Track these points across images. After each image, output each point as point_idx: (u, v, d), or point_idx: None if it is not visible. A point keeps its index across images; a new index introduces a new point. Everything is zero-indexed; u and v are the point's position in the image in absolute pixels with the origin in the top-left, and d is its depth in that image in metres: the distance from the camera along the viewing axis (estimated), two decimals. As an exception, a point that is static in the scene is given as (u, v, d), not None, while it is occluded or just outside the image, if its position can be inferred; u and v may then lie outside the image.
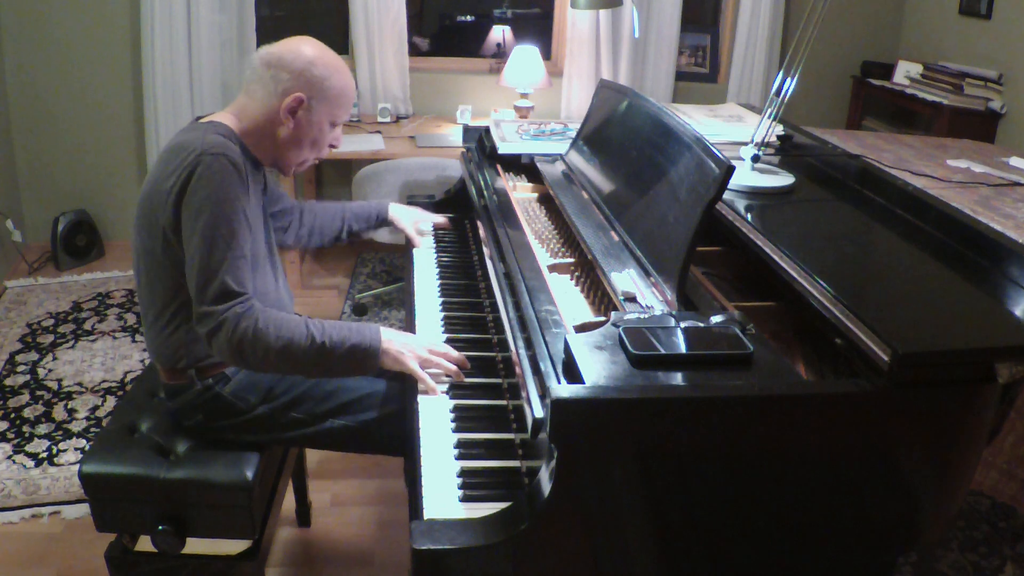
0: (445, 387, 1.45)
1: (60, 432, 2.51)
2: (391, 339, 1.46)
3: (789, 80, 1.68)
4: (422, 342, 1.49)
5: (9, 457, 2.38)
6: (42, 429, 2.52)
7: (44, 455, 2.40)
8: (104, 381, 2.80)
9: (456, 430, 1.34)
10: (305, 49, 1.52)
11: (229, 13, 3.64)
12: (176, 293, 1.48)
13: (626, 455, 1.04)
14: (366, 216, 2.01)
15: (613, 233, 1.55)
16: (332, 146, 1.62)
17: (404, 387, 1.61)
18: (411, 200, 2.28)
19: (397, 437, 1.57)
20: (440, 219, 2.15)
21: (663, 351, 1.09)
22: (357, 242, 2.15)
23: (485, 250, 1.81)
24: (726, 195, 1.54)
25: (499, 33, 4.72)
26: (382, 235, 3.35)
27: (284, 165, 1.60)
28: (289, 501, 2.11)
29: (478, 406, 1.41)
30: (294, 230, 1.89)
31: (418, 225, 2.09)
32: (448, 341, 1.60)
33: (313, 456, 2.39)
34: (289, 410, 1.58)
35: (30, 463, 2.36)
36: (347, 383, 1.62)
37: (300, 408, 1.58)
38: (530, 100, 3.75)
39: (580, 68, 3.92)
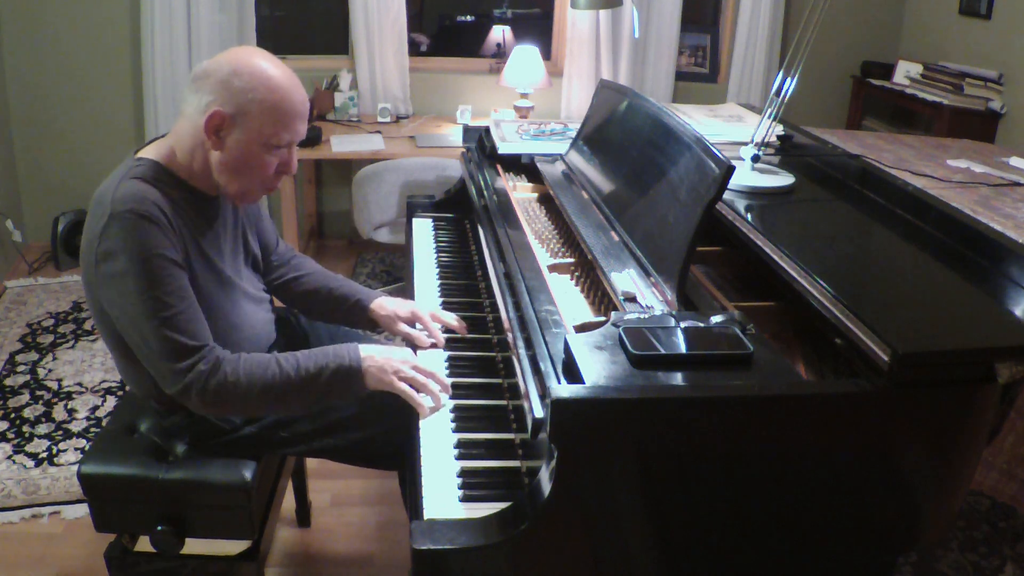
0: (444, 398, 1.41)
1: (60, 432, 2.51)
2: (371, 355, 1.39)
3: (789, 80, 1.68)
4: (406, 356, 1.42)
5: (9, 457, 2.38)
6: (42, 429, 2.52)
7: (44, 455, 2.40)
8: (104, 381, 2.80)
9: (456, 430, 1.34)
10: (233, 59, 1.33)
11: (229, 13, 3.64)
12: (126, 350, 1.40)
13: (626, 455, 1.04)
14: (343, 298, 1.70)
15: (613, 233, 1.55)
16: (282, 172, 1.41)
17: (399, 401, 1.58)
18: (411, 200, 2.27)
19: (390, 453, 1.55)
20: (453, 321, 1.63)
21: (663, 351, 1.09)
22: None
23: (485, 250, 1.81)
24: (726, 195, 1.54)
25: (499, 33, 4.73)
26: (382, 234, 3.36)
27: (226, 195, 1.43)
28: (289, 501, 2.11)
29: (478, 406, 1.41)
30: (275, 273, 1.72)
31: (424, 322, 1.63)
32: (448, 341, 1.61)
33: (313, 456, 2.39)
34: (277, 430, 1.53)
35: (30, 463, 2.36)
36: (337, 401, 1.55)
37: (288, 428, 1.53)
38: (530, 100, 3.75)
39: (580, 68, 3.91)
